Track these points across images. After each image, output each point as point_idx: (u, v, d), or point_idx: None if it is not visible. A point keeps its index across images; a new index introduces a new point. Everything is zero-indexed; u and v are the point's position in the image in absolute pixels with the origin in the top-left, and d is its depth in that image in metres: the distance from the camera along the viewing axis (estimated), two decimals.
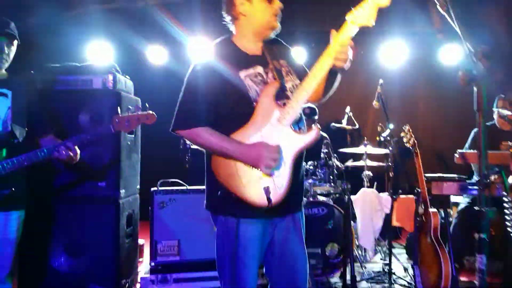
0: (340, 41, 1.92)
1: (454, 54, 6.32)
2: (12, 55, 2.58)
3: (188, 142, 4.44)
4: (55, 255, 3.32)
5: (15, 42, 2.56)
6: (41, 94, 2.87)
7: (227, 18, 2.18)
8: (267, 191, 1.91)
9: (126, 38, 6.57)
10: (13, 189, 2.41)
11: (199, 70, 2.06)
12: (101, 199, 3.35)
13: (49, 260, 3.29)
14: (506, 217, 2.07)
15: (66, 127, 3.28)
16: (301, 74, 2.16)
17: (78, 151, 2.50)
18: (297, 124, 2.05)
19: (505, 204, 2.09)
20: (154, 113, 2.60)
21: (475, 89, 1.42)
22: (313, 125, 2.04)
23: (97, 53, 6.41)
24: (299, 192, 2.19)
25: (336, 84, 2.15)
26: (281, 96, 2.05)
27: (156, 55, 6.62)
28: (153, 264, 3.19)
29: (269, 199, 1.90)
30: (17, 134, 2.49)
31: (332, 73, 2.04)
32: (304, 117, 2.18)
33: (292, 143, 1.98)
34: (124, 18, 6.56)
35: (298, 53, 6.24)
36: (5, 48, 2.50)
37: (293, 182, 1.99)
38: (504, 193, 2.09)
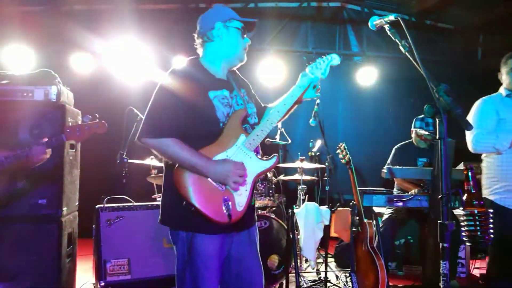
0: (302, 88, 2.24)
1: (369, 76, 6.87)
2: None
3: (125, 156, 4.38)
4: None
5: None
6: None
7: (199, 40, 2.28)
8: (227, 207, 2.03)
9: (47, 44, 6.19)
10: None
11: (170, 83, 2.10)
12: (42, 218, 3.15)
13: None
14: (462, 228, 2.39)
15: (4, 140, 3.05)
16: (257, 104, 2.41)
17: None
18: (259, 151, 2.21)
19: (460, 218, 2.42)
20: (104, 122, 2.58)
21: (437, 120, 1.65)
22: (274, 154, 2.23)
23: (15, 60, 5.90)
24: (253, 208, 2.33)
25: (290, 112, 2.37)
26: (245, 122, 2.21)
27: (80, 63, 6.27)
28: (103, 284, 3.06)
29: (229, 215, 2.03)
30: None
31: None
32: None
33: (255, 166, 2.13)
34: (44, 21, 6.19)
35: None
36: None
37: (250, 201, 2.14)
38: (461, 207, 2.41)
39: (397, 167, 4.01)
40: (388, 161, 4.71)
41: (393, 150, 4.74)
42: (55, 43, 6.17)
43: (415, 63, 1.72)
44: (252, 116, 2.29)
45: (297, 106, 2.36)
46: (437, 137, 1.67)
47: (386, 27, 1.83)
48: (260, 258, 2.30)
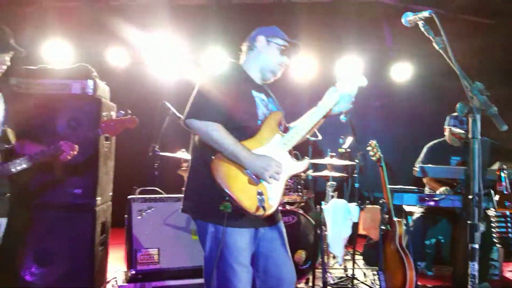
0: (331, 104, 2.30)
1: (403, 72, 6.76)
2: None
3: (157, 149, 4.49)
4: (26, 265, 3.20)
5: (11, 53, 2.50)
6: (21, 98, 2.78)
7: (244, 47, 2.42)
8: (261, 201, 2.04)
9: (85, 39, 6.38)
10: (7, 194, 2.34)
11: (221, 72, 2.22)
12: (77, 207, 3.28)
13: (20, 270, 3.16)
14: (492, 229, 2.34)
15: (41, 132, 3.18)
16: None
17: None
18: (292, 153, 2.28)
19: (491, 219, 2.37)
20: (135, 117, 2.69)
21: (470, 119, 1.61)
22: (305, 157, 2.33)
23: (55, 54, 6.12)
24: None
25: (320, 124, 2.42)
26: (281, 125, 2.30)
27: (116, 57, 6.44)
28: (133, 272, 3.16)
29: (263, 207, 2.04)
30: (10, 137, 2.41)
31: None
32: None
33: (288, 166, 2.19)
34: (83, 17, 6.38)
35: None
36: (6, 61, 2.43)
37: (281, 198, 2.18)
38: (492, 209, 2.36)
39: (430, 165, 3.93)
40: (419, 159, 4.62)
41: (425, 149, 4.64)
42: (92, 38, 6.34)
43: (449, 61, 1.69)
44: (283, 123, 2.37)
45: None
46: (470, 136, 1.63)
47: (420, 23, 1.80)
48: (290, 255, 2.31)
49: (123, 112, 2.73)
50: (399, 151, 6.60)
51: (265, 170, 2.05)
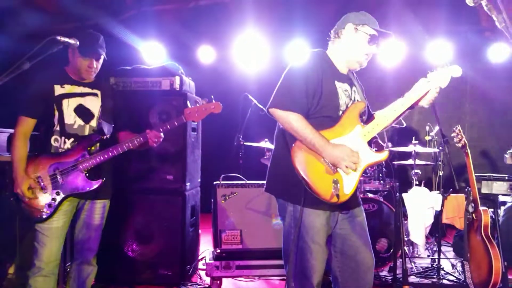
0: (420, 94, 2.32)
1: (502, 53, 6.27)
2: (99, 67, 2.82)
3: (241, 139, 4.76)
4: (128, 242, 3.65)
5: (103, 57, 2.80)
6: (119, 94, 3.16)
7: (332, 34, 2.42)
8: (336, 188, 2.14)
9: (177, 39, 6.89)
10: (104, 179, 2.70)
11: (305, 63, 2.27)
12: (169, 191, 3.66)
13: (123, 246, 3.62)
14: None
15: (137, 125, 3.58)
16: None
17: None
18: (371, 143, 2.32)
19: None
20: (219, 103, 2.81)
21: None
22: (386, 149, 2.36)
23: (151, 54, 6.71)
24: (357, 191, 2.37)
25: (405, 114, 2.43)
26: (363, 115, 2.34)
27: (205, 54, 6.87)
28: (218, 251, 3.45)
29: (337, 196, 2.13)
30: (105, 130, 2.78)
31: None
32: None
33: (366, 157, 2.24)
34: (175, 18, 6.88)
35: None
36: (95, 64, 2.76)
37: (357, 187, 2.24)
38: None
39: None
40: None
41: None
42: (183, 38, 6.83)
43: (509, 39, 1.64)
44: (366, 113, 2.42)
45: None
46: None
47: (483, 2, 1.75)
48: (369, 240, 2.35)
49: (206, 99, 2.84)
50: (501, 136, 6.16)
51: (342, 160, 2.13)
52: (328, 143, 2.16)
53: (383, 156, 2.29)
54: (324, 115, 2.25)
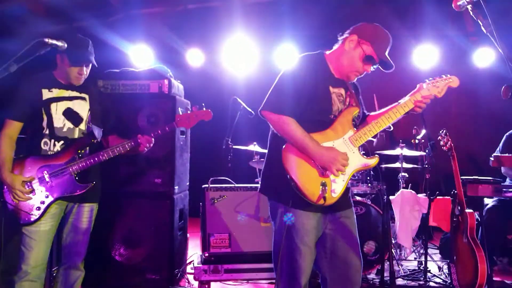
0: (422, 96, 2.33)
1: (487, 58, 6.38)
2: (89, 72, 2.80)
3: (230, 142, 4.76)
4: (116, 246, 3.62)
5: (91, 64, 2.79)
6: (107, 97, 3.14)
7: (339, 37, 2.41)
8: (323, 191, 2.17)
9: (165, 42, 6.87)
10: (94, 182, 2.68)
11: (298, 67, 2.29)
12: (158, 195, 3.64)
13: (111, 251, 3.59)
14: None
15: (125, 128, 3.57)
16: (361, 108, 2.48)
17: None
18: (362, 148, 2.37)
19: None
20: (210, 110, 2.86)
21: None
22: (376, 155, 2.39)
23: (138, 57, 6.68)
24: (347, 193, 2.41)
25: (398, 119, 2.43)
26: (356, 120, 2.38)
27: (193, 58, 6.86)
28: (206, 255, 3.44)
29: (324, 198, 2.16)
30: (95, 134, 2.76)
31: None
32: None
33: (355, 161, 2.28)
34: (163, 22, 6.86)
35: None
36: (85, 71, 2.75)
37: (346, 190, 2.28)
38: None
39: (506, 155, 3.74)
40: (498, 148, 4.38)
41: (504, 137, 4.39)
42: (171, 41, 6.81)
43: (495, 43, 1.69)
44: (359, 117, 2.45)
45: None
46: None
47: (469, 7, 1.80)
48: (358, 242, 2.38)
49: (197, 106, 2.88)
50: (486, 140, 6.25)
51: (331, 163, 2.17)
52: (319, 146, 2.20)
53: (372, 162, 2.33)
54: (316, 119, 2.29)
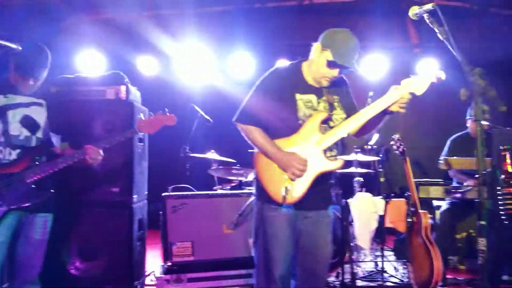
0: (402, 94, 2.36)
1: (429, 67, 6.73)
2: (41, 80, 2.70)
3: (188, 150, 4.71)
4: (71, 259, 3.44)
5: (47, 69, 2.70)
6: (61, 104, 3.01)
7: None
8: (285, 191, 2.34)
9: (116, 49, 6.70)
10: (52, 191, 2.56)
11: (266, 78, 2.50)
12: (116, 204, 3.51)
13: (67, 263, 3.41)
14: (500, 207, 2.39)
15: (79, 136, 3.42)
16: (350, 111, 2.51)
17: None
18: (330, 151, 2.42)
19: (499, 197, 2.43)
20: (174, 115, 2.81)
21: (472, 103, 1.71)
22: (340, 158, 2.45)
23: (88, 63, 6.47)
24: (323, 195, 2.52)
25: (380, 125, 2.51)
26: (325, 124, 2.44)
27: (146, 65, 6.73)
28: (169, 264, 3.36)
29: (284, 197, 2.33)
30: (54, 141, 2.64)
31: (381, 114, 2.40)
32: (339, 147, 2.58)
33: (319, 164, 2.37)
34: (115, 28, 6.69)
35: None
36: (33, 81, 2.63)
37: (311, 191, 2.36)
38: (499, 187, 2.42)
39: (454, 157, 3.96)
40: (443, 153, 4.61)
41: (448, 142, 4.63)
42: (124, 47, 6.65)
43: (451, 49, 1.80)
44: (335, 121, 2.47)
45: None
46: (473, 119, 1.72)
47: (425, 16, 1.91)
48: (329, 238, 2.51)
49: (160, 112, 2.85)
50: (430, 146, 6.58)
51: (287, 167, 2.33)
52: (278, 151, 2.36)
53: (336, 164, 2.40)
54: (284, 125, 2.42)
